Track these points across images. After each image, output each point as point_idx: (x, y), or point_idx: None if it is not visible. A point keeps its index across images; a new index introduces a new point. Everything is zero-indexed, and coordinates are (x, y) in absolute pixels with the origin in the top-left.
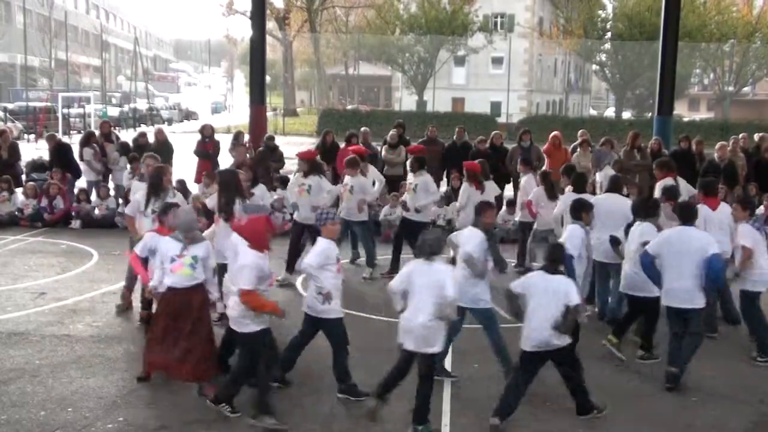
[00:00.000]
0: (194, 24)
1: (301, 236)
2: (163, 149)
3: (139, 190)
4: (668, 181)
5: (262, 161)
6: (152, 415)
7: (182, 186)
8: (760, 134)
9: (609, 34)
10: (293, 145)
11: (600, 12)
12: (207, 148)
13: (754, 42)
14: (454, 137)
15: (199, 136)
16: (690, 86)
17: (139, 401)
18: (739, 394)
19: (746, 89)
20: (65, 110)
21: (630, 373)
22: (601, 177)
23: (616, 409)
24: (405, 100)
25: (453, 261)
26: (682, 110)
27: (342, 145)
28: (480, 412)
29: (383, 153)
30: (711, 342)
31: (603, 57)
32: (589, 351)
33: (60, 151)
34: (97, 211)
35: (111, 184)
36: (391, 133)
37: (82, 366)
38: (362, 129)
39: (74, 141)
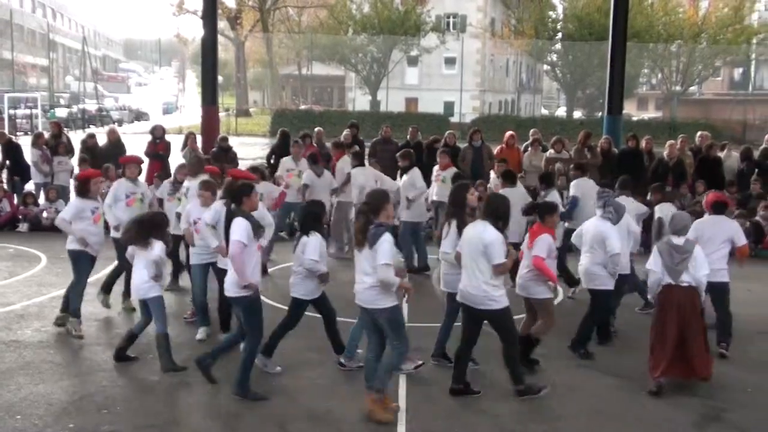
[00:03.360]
0: (144, 23)
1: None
2: (116, 150)
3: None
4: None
5: (216, 162)
6: (104, 421)
7: None
8: (702, 133)
9: (559, 35)
10: (246, 146)
11: (550, 13)
12: (158, 149)
13: (700, 43)
14: (408, 137)
15: (149, 137)
16: (639, 86)
17: (90, 407)
18: (686, 388)
19: (693, 89)
20: (11, 111)
21: (582, 368)
22: None
23: (567, 403)
24: (358, 100)
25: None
26: (631, 109)
27: None
28: (437, 407)
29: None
30: None
31: (554, 57)
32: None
33: (10, 151)
34: (45, 214)
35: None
36: (345, 133)
37: (30, 372)
38: (316, 129)
39: (22, 143)
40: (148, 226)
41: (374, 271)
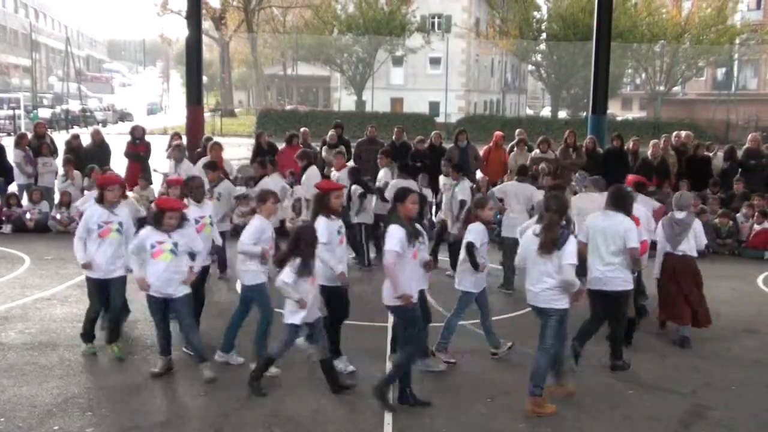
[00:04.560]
0: (128, 23)
1: None
2: (100, 151)
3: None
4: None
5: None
6: (89, 423)
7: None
8: (685, 132)
9: (544, 35)
10: (231, 146)
11: (535, 13)
12: (138, 150)
13: (683, 43)
14: (393, 137)
15: (129, 137)
16: (623, 86)
17: (75, 409)
18: (672, 387)
19: (676, 89)
20: None
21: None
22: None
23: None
24: (344, 101)
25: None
26: (615, 109)
27: (282, 146)
28: (423, 406)
29: (323, 153)
30: (644, 336)
31: (538, 57)
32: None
33: None
34: (28, 216)
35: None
36: (330, 133)
37: (14, 374)
38: (302, 129)
39: (4, 143)
40: (291, 243)
41: (559, 272)
